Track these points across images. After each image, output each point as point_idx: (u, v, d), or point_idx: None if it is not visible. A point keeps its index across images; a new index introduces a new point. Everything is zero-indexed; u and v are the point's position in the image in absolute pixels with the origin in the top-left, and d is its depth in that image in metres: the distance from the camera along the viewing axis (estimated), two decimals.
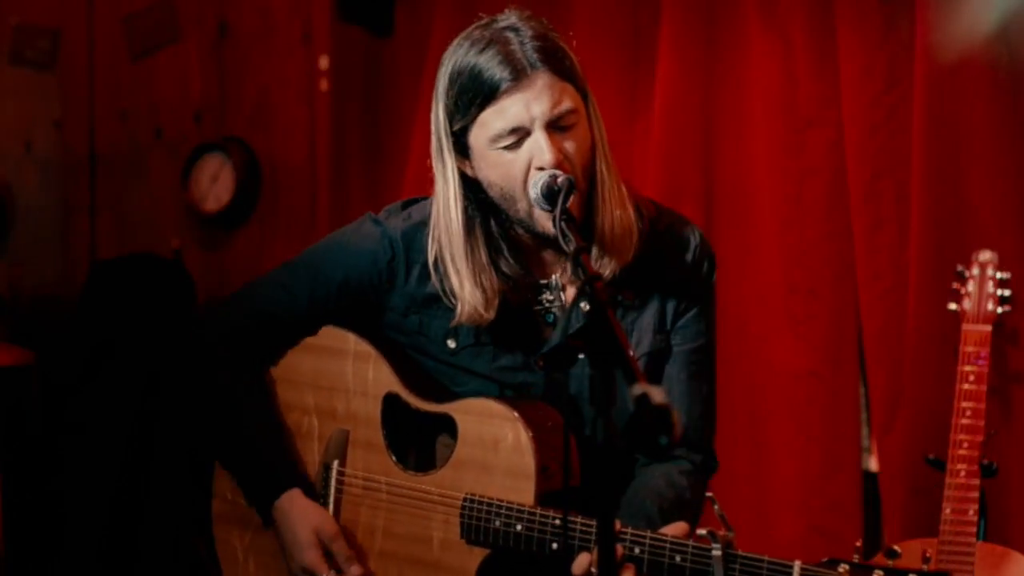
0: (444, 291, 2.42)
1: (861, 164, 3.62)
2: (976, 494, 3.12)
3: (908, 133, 3.56)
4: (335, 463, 2.50)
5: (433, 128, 2.39)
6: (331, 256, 2.53)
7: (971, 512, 3.11)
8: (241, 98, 4.70)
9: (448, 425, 2.43)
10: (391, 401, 2.47)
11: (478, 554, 2.36)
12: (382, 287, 2.48)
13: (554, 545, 2.29)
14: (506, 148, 2.31)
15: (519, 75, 2.28)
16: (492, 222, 2.41)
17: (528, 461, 2.33)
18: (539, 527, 2.31)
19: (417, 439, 2.50)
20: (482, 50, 2.30)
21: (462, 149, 2.37)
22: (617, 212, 2.38)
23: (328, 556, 2.42)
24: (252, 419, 2.51)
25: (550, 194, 2.27)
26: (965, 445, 3.14)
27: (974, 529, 3.11)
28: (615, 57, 3.94)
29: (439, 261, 2.42)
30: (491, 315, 2.39)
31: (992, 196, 3.48)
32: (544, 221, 2.32)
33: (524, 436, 2.34)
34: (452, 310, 2.42)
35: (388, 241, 2.47)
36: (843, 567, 2.11)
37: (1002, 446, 3.32)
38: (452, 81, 2.33)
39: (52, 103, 4.90)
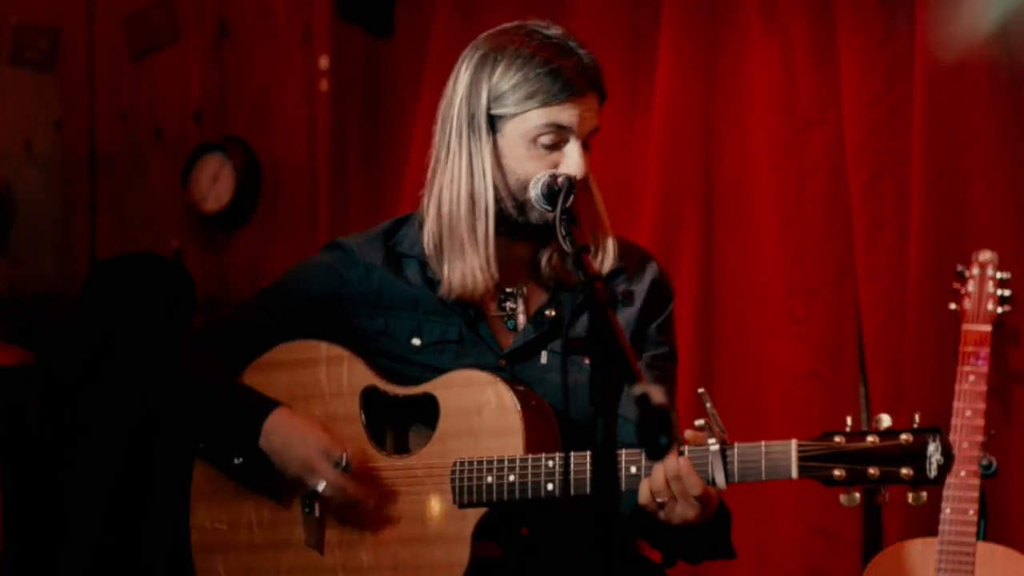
0: (420, 271, 2.50)
1: (861, 164, 3.62)
2: (976, 494, 3.12)
3: (908, 133, 3.56)
4: None
5: (464, 104, 2.46)
6: (297, 275, 2.63)
7: (971, 512, 3.11)
8: (241, 98, 4.70)
9: (428, 409, 2.44)
10: (369, 394, 2.48)
11: (472, 516, 2.36)
12: (344, 295, 2.55)
13: (549, 486, 2.31)
14: (544, 146, 2.42)
15: (584, 90, 2.43)
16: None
17: (514, 419, 2.35)
18: (532, 472, 2.32)
19: (399, 427, 2.51)
20: (556, 55, 2.43)
21: (491, 134, 2.45)
22: (604, 224, 2.52)
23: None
24: (224, 378, 2.54)
25: (550, 194, 2.36)
26: (965, 445, 3.14)
27: (974, 529, 3.12)
28: (615, 57, 3.94)
29: (452, 231, 2.45)
30: (480, 292, 2.44)
31: (992, 196, 3.48)
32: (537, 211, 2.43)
33: (507, 395, 2.36)
34: (415, 310, 2.50)
35: (345, 253, 2.57)
36: (838, 438, 2.19)
37: (1002, 446, 3.33)
38: (513, 68, 2.42)
39: (52, 103, 4.90)
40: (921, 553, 3.19)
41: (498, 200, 2.45)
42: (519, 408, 2.35)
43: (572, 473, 2.29)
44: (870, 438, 2.18)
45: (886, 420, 2.21)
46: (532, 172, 2.42)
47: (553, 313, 2.49)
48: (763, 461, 2.21)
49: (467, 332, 2.49)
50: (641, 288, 2.55)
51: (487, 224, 2.44)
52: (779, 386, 3.75)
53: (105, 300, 4.38)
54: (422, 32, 4.27)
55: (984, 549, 3.14)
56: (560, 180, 2.35)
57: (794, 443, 2.20)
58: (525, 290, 2.53)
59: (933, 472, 2.15)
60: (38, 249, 4.93)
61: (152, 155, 4.82)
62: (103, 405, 4.15)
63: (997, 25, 3.46)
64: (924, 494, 2.19)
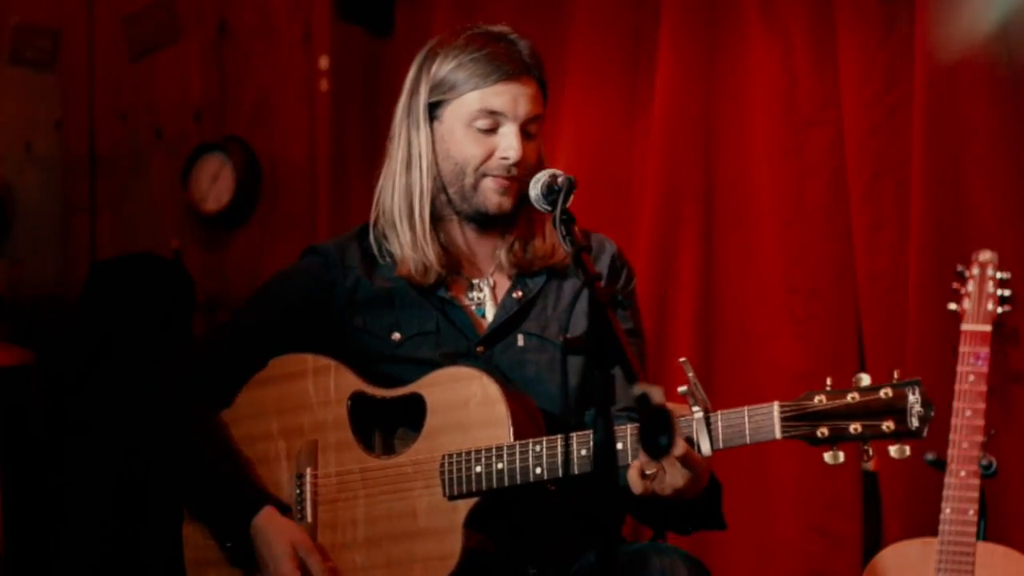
0: (387, 263, 2.57)
1: (861, 164, 3.62)
2: (976, 494, 3.12)
3: (908, 133, 3.56)
4: (308, 471, 2.51)
5: (407, 99, 2.60)
6: (273, 287, 2.68)
7: (971, 512, 3.11)
8: (241, 98, 4.70)
9: (416, 409, 2.45)
10: (358, 400, 2.50)
11: (463, 508, 2.37)
12: (322, 299, 2.59)
13: (538, 470, 2.32)
14: (479, 130, 2.50)
15: (519, 73, 2.51)
16: (434, 209, 2.57)
17: (500, 409, 2.36)
18: (520, 457, 2.34)
19: (387, 428, 2.53)
20: (489, 41, 2.53)
21: (428, 121, 2.56)
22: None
23: (303, 568, 2.44)
24: (217, 454, 2.55)
25: (550, 193, 2.35)
26: (965, 445, 3.14)
27: (974, 529, 3.11)
28: (615, 57, 3.94)
29: (386, 218, 2.57)
30: (432, 277, 2.53)
31: (992, 196, 3.48)
32: (489, 196, 2.51)
33: (492, 387, 2.38)
34: (393, 307, 2.55)
35: (322, 256, 2.63)
36: (819, 398, 2.23)
37: (1002, 446, 3.32)
38: (449, 58, 2.53)
39: (52, 103, 4.90)
40: (921, 553, 3.18)
41: (442, 189, 2.55)
42: (505, 399, 2.37)
43: (559, 455, 2.31)
44: (851, 395, 2.21)
45: (866, 379, 2.23)
46: (470, 156, 2.51)
47: (520, 295, 2.56)
48: (747, 424, 2.25)
49: (443, 322, 2.54)
50: (601, 267, 2.60)
51: (423, 214, 2.54)
52: (779, 386, 3.74)
53: (105, 300, 4.38)
54: (422, 32, 4.26)
55: (984, 549, 3.13)
56: (560, 180, 2.34)
57: (776, 404, 2.25)
58: (493, 280, 2.60)
59: (915, 423, 2.17)
60: (38, 249, 4.92)
61: (152, 155, 4.82)
62: (103, 405, 4.15)
63: (997, 25, 3.46)
64: (907, 448, 2.20)
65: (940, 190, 3.50)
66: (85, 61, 4.87)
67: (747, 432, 2.25)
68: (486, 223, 2.56)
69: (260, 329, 2.62)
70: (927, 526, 3.22)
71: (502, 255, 2.58)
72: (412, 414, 2.47)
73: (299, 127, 4.61)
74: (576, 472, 2.30)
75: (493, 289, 2.60)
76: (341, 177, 4.49)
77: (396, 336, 2.54)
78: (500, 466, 2.34)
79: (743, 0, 3.80)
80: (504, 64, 2.49)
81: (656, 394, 1.73)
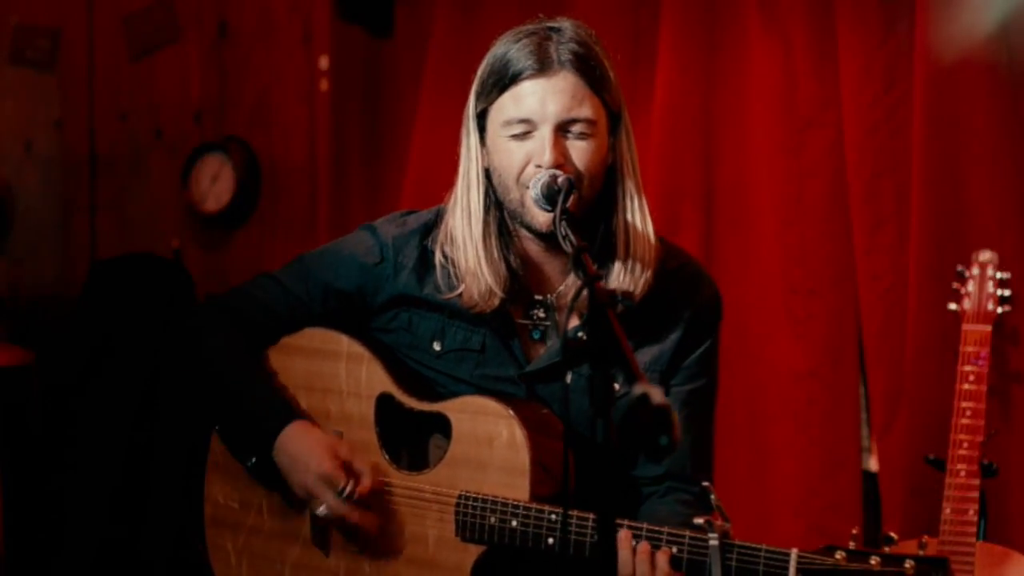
0: (446, 277, 2.43)
1: (861, 164, 3.62)
2: (976, 494, 3.12)
3: (908, 133, 3.56)
4: None
5: (466, 108, 2.42)
6: (324, 259, 2.57)
7: (971, 512, 3.11)
8: (241, 98, 4.70)
9: (442, 424, 2.43)
10: (385, 401, 2.48)
11: (473, 551, 2.37)
12: (368, 290, 2.50)
13: (550, 540, 2.29)
14: (512, 137, 2.33)
15: (544, 68, 2.31)
16: (504, 221, 2.42)
17: (523, 458, 2.34)
18: (534, 523, 2.31)
19: (411, 439, 2.50)
20: (520, 39, 2.35)
21: (481, 132, 2.40)
22: (642, 236, 2.39)
23: (346, 468, 2.39)
24: (249, 369, 2.51)
25: (550, 194, 2.27)
26: (965, 445, 3.14)
27: (974, 529, 3.11)
28: (615, 57, 3.93)
29: (451, 238, 2.42)
30: (495, 302, 2.39)
31: (992, 196, 3.47)
32: (536, 214, 2.33)
33: (519, 433, 2.34)
34: (442, 312, 2.45)
35: (378, 246, 2.51)
36: (840, 553, 2.13)
37: (1002, 446, 3.32)
38: (486, 63, 2.38)
39: (52, 103, 4.90)
40: None
41: (499, 204, 2.40)
42: (529, 448, 2.33)
43: (573, 534, 2.25)
44: (873, 559, 2.11)
45: (893, 541, 2.14)
46: (507, 166, 2.34)
47: (584, 336, 2.35)
48: (761, 566, 2.17)
49: (491, 341, 2.44)
50: (683, 316, 2.45)
51: (485, 233, 2.38)
52: (779, 386, 3.75)
53: (105, 300, 4.38)
54: (422, 32, 4.27)
55: (984, 549, 3.13)
56: (560, 180, 2.26)
57: (794, 553, 2.16)
58: (558, 301, 2.45)
59: None
60: (38, 249, 4.93)
61: (152, 155, 4.82)
62: (103, 405, 4.15)
63: (997, 25, 3.45)
64: None
65: (940, 190, 3.50)
66: (85, 61, 4.87)
67: (760, 574, 2.16)
68: (549, 238, 2.35)
69: (305, 302, 2.53)
70: (927, 526, 3.22)
71: (571, 277, 2.40)
72: (437, 430, 2.45)
73: (299, 127, 4.61)
74: (587, 555, 2.25)
75: (556, 312, 2.45)
76: (341, 177, 4.49)
77: (436, 347, 2.46)
78: (514, 524, 2.31)
79: (743, 0, 3.80)
80: (528, 60, 2.30)
81: (656, 394, 1.72)
